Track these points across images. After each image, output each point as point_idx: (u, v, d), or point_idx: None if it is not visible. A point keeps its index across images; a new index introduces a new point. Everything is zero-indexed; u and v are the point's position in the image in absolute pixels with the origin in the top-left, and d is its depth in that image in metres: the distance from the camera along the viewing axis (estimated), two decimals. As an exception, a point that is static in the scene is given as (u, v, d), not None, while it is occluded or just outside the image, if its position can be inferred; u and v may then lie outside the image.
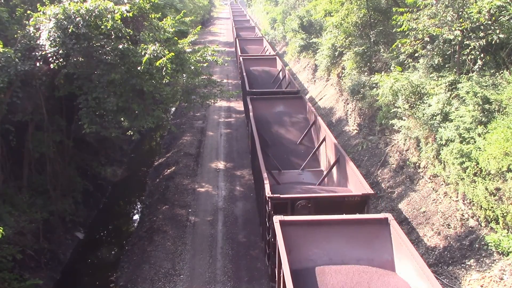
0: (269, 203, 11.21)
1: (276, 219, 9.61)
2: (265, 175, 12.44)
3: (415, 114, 13.70)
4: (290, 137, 17.35)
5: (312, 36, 30.37)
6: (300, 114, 18.36)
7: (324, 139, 15.63)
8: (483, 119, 11.46)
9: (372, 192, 11.18)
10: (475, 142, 11.28)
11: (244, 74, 24.56)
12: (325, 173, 14.82)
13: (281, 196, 11.31)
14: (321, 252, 9.44)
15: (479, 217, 11.27)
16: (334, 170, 14.26)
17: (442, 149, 12.36)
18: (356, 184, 11.93)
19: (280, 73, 26.04)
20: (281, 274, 8.58)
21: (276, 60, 28.21)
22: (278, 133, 17.51)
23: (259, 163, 13.42)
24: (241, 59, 28.23)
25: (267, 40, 41.71)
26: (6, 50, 12.23)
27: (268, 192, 11.42)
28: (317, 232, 9.62)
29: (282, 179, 14.71)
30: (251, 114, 17.51)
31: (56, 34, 12.65)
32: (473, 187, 11.14)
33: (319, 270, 8.90)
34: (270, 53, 32.00)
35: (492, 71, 12.65)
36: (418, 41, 14.62)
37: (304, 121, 18.00)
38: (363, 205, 11.14)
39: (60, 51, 12.70)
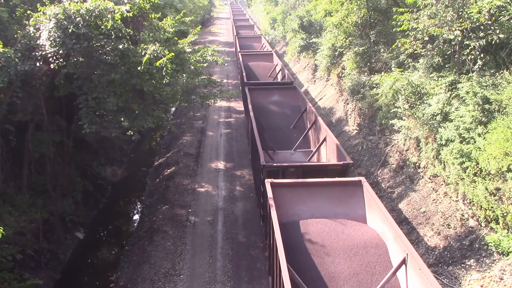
0: (263, 171, 12.71)
1: (268, 181, 11.43)
2: (261, 151, 13.89)
3: (415, 114, 13.70)
4: (284, 122, 19.08)
5: (312, 36, 30.38)
6: (293, 102, 20.26)
7: (314, 122, 17.41)
8: (483, 119, 11.46)
9: (351, 161, 13.14)
10: (475, 142, 11.28)
11: (242, 67, 26.28)
12: (314, 150, 16.50)
13: (274, 164, 13.32)
14: (305, 209, 11.07)
15: (479, 217, 11.27)
16: (323, 148, 15.89)
17: (442, 149, 12.36)
18: (339, 157, 13.48)
19: (276, 67, 27.69)
20: (272, 227, 10.03)
21: (272, 56, 30.22)
22: (274, 119, 19.28)
23: (256, 143, 14.85)
24: (239, 55, 30.18)
25: (267, 40, 42.10)
26: (6, 50, 12.23)
27: (262, 161, 12.98)
28: (301, 192, 11.33)
29: (276, 158, 16.31)
30: (249, 101, 19.31)
31: (56, 34, 12.65)
32: (473, 187, 11.14)
33: (303, 222, 10.53)
34: (267, 49, 34.19)
35: (492, 71, 12.65)
36: (418, 41, 14.62)
37: (297, 108, 19.82)
38: (344, 173, 12.84)
39: (60, 51, 12.69)
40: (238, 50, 33.57)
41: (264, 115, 18.99)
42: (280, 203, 10.88)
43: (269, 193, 10.91)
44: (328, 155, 15.13)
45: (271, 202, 10.53)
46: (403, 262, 8.91)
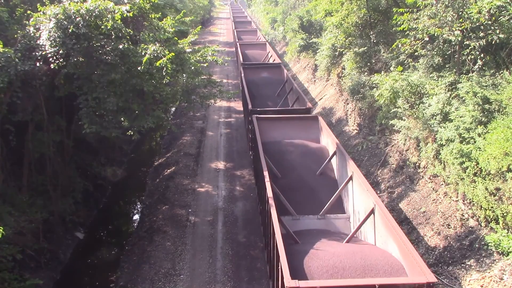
0: (251, 113, 18.74)
1: (254, 116, 17.20)
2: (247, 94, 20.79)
3: (415, 114, 13.70)
4: (269, 91, 24.90)
5: (312, 36, 30.37)
6: (279, 77, 26.61)
7: (291, 89, 23.37)
8: (483, 119, 11.46)
9: (311, 106, 20.42)
10: (475, 142, 11.28)
11: (240, 54, 33.04)
12: (290, 105, 22.07)
13: (258, 109, 19.50)
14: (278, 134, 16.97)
15: (479, 217, 11.27)
16: (296, 104, 21.73)
17: (442, 149, 12.36)
18: (307, 104, 19.74)
19: (268, 53, 34.45)
20: (257, 146, 14.81)
21: (266, 45, 37.17)
22: (262, 90, 25.01)
23: (247, 103, 20.62)
24: (238, 44, 36.67)
25: (267, 40, 42.32)
26: (6, 50, 12.23)
27: (250, 107, 19.73)
28: (277, 124, 17.42)
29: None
30: (242, 75, 24.88)
31: (56, 34, 12.66)
32: (473, 187, 11.14)
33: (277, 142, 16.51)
34: (261, 40, 40.94)
35: (492, 71, 12.64)
36: (418, 41, 14.61)
37: (280, 81, 25.82)
38: (308, 113, 18.89)
39: (60, 51, 12.70)
40: (237, 40, 39.43)
41: (255, 87, 24.95)
42: (262, 130, 16.31)
43: (255, 124, 16.56)
44: (299, 104, 21.21)
45: (256, 129, 16.03)
46: (334, 154, 14.71)
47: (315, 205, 13.02)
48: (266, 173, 12.68)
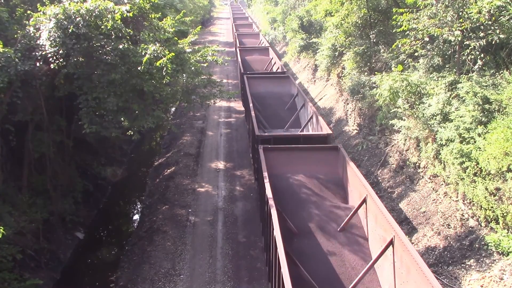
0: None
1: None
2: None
3: (415, 114, 13.70)
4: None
5: (312, 36, 30.37)
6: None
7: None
8: (483, 119, 11.46)
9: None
10: (475, 142, 11.28)
11: (237, 42, 37.54)
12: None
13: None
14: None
15: (479, 217, 11.27)
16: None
17: (442, 149, 12.36)
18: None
19: (262, 41, 38.57)
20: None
21: (259, 35, 43.51)
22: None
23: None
24: (236, 35, 41.89)
25: (266, 39, 42.67)
26: (6, 50, 12.23)
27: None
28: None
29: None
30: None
31: (56, 34, 12.66)
32: (473, 187, 11.14)
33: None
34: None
35: (492, 71, 12.64)
36: (418, 41, 14.61)
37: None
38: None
39: (60, 51, 12.70)
40: (234, 31, 44.09)
41: (248, 65, 28.66)
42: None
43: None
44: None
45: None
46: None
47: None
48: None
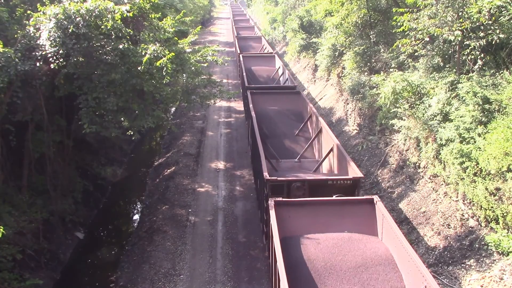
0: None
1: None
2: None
3: (415, 114, 13.70)
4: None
5: (312, 36, 30.38)
6: (257, 44, 31.67)
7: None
8: (483, 119, 11.46)
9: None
10: (475, 142, 11.28)
11: (235, 35, 41.47)
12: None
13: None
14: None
15: (479, 217, 11.27)
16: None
17: (442, 149, 12.36)
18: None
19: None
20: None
21: (254, 28, 48.96)
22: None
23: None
24: (234, 28, 46.24)
25: (265, 38, 42.60)
26: (6, 50, 12.21)
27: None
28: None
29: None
30: (236, 41, 29.73)
31: (56, 34, 12.64)
32: (473, 187, 11.14)
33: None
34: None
35: (492, 71, 12.65)
36: (418, 41, 14.61)
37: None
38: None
39: (60, 51, 12.68)
40: (234, 25, 49.24)
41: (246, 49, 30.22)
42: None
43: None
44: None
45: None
46: None
47: None
48: None
